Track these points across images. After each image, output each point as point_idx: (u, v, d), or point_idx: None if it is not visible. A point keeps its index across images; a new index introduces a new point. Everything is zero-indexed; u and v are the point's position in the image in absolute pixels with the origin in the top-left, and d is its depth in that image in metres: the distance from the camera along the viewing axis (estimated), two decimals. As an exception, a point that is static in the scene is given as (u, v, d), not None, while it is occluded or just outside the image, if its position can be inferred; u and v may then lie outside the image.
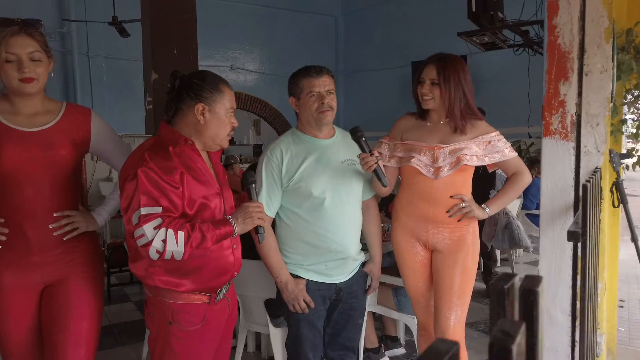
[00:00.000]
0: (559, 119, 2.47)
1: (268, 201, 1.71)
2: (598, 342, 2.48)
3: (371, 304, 2.63)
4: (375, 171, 1.68)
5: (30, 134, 1.46)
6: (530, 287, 0.50)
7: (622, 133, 2.66)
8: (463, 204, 1.77)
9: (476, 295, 4.03)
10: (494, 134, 1.86)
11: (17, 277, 1.47)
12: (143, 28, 4.23)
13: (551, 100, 2.50)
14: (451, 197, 1.79)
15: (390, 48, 9.01)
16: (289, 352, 1.90)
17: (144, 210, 1.31)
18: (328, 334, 1.94)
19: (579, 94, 2.44)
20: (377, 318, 2.88)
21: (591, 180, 1.77)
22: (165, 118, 1.52)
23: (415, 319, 2.06)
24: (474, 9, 3.00)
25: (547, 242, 2.21)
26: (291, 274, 1.76)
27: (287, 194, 1.74)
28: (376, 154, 1.69)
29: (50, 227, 1.50)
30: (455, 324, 1.78)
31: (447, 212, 1.79)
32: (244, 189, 1.59)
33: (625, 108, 2.85)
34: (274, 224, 1.81)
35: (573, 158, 2.45)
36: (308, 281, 1.77)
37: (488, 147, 1.82)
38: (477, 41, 3.74)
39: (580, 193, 2.07)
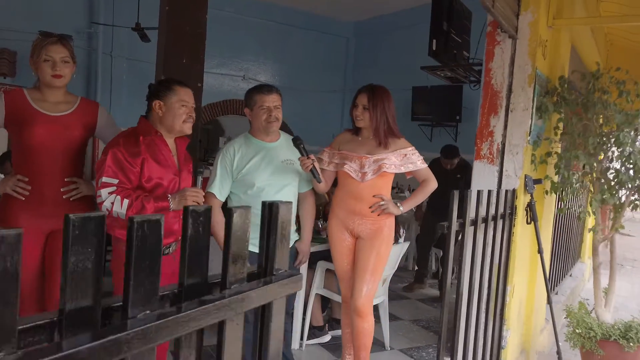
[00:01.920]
0: (488, 146, 2.96)
1: (220, 188, 2.23)
2: (504, 336, 2.92)
3: (318, 287, 3.11)
4: (311, 171, 2.19)
5: (54, 117, 1.99)
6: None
7: (546, 163, 3.11)
8: (382, 202, 2.26)
9: (429, 299, 4.50)
10: (410, 149, 2.35)
11: (31, 222, 1.97)
12: (159, 37, 4.78)
13: (483, 130, 2.99)
14: (374, 196, 2.28)
15: (394, 72, 9.52)
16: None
17: (104, 179, 1.82)
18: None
19: (505, 126, 2.91)
20: (326, 302, 3.35)
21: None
22: (144, 115, 2.04)
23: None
24: (434, 48, 3.52)
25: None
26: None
27: (236, 183, 2.25)
28: (312, 158, 2.20)
29: (62, 189, 2.01)
30: (366, 294, 2.26)
31: (370, 207, 2.28)
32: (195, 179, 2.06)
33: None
34: (225, 206, 2.32)
35: (497, 180, 2.92)
36: (249, 252, 2.25)
37: (404, 159, 2.32)
38: (442, 75, 4.24)
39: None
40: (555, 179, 3.10)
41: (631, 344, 2.82)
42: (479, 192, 2.44)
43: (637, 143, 2.68)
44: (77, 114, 2.05)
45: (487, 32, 2.95)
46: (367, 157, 2.28)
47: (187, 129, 2.02)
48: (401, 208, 2.30)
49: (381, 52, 9.93)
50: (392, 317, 3.79)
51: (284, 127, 10.60)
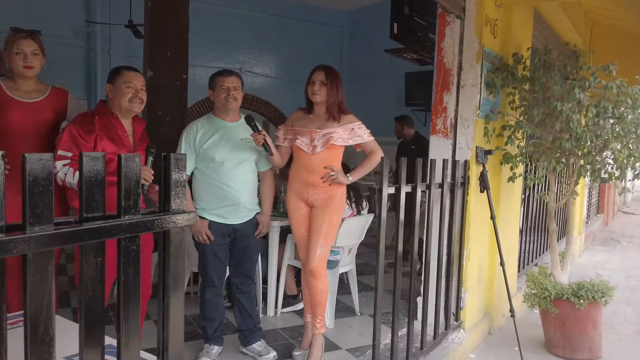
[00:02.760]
0: (442, 121, 3.15)
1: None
2: (462, 297, 3.13)
3: (289, 258, 3.34)
4: (263, 145, 2.41)
5: (27, 104, 2.23)
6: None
7: (502, 136, 3.29)
8: (332, 173, 2.48)
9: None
10: (357, 123, 2.56)
11: (11, 197, 2.21)
12: (144, 32, 5.03)
13: (437, 107, 3.18)
14: (324, 167, 2.50)
15: (387, 60, 9.67)
16: (200, 275, 2.64)
17: (60, 152, 2.07)
18: (232, 266, 2.67)
19: (457, 102, 3.10)
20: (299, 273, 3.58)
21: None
22: (103, 99, 2.29)
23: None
24: (395, 31, 3.70)
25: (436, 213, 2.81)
26: (199, 216, 2.50)
27: (198, 158, 2.48)
28: (263, 133, 2.42)
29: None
30: (319, 256, 2.48)
31: (321, 178, 2.50)
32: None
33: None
34: (190, 180, 2.56)
35: (451, 152, 3.12)
36: (210, 222, 2.50)
37: (351, 133, 2.52)
38: (409, 57, 4.41)
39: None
40: (511, 150, 3.27)
41: (581, 301, 3.01)
42: (431, 161, 2.65)
43: (577, 115, 2.84)
44: (49, 101, 2.29)
45: (438, 14, 3.13)
46: (316, 132, 2.49)
47: (134, 107, 2.25)
48: (350, 178, 2.52)
49: (374, 40, 10.05)
50: (368, 288, 4.01)
51: (282, 117, 10.79)
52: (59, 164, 2.06)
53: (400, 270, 2.39)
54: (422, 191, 2.52)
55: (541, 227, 5.04)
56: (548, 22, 4.72)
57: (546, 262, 4.92)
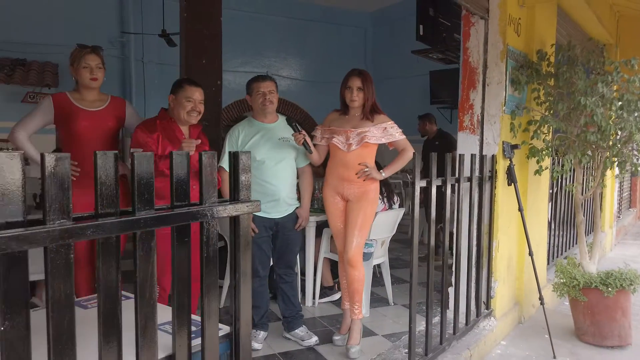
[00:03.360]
0: (469, 118, 3.30)
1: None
2: (492, 287, 3.26)
3: (325, 251, 3.53)
4: (303, 144, 2.62)
5: (91, 112, 2.48)
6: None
7: (529, 131, 3.41)
8: (366, 169, 2.66)
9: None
10: (389, 123, 2.73)
11: (80, 195, 2.43)
12: (180, 41, 5.31)
13: (464, 104, 3.33)
14: (359, 164, 2.68)
15: (412, 59, 9.78)
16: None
17: (131, 150, 2.31)
18: (275, 257, 2.87)
19: (483, 99, 3.25)
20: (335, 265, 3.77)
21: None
22: (164, 107, 2.54)
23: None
24: (421, 33, 3.84)
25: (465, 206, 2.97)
26: (245, 210, 2.71)
27: None
28: (303, 133, 2.62)
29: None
30: (356, 247, 2.67)
31: (356, 174, 2.68)
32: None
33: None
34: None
35: (478, 147, 3.26)
36: (254, 216, 2.71)
37: (384, 132, 2.70)
38: (435, 57, 4.54)
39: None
40: (537, 144, 3.38)
41: (610, 289, 3.11)
42: (460, 155, 2.81)
43: (601, 109, 2.94)
44: (109, 109, 2.54)
45: (463, 15, 3.27)
46: (352, 131, 2.68)
47: (191, 119, 2.50)
48: (383, 174, 2.69)
49: (398, 40, 10.18)
50: (400, 281, 4.17)
51: (308, 119, 10.99)
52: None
53: (433, 262, 2.55)
54: (451, 185, 2.67)
55: (570, 221, 5.10)
56: (572, 18, 4.79)
57: (575, 253, 4.98)
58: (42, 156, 0.92)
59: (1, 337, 0.86)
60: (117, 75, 8.64)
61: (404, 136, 2.74)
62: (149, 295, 1.11)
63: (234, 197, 1.35)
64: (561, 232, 4.85)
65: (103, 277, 1.03)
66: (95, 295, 1.12)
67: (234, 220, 1.35)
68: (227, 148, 2.72)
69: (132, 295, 1.12)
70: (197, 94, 2.52)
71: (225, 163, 2.70)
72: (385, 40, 10.86)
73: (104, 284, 1.03)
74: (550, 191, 4.23)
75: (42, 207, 0.93)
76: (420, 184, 2.37)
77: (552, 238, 4.53)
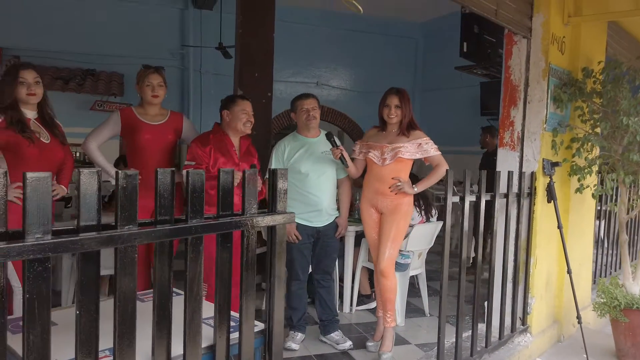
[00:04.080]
0: (510, 134, 3.36)
1: None
2: (529, 303, 3.28)
3: (364, 260, 3.66)
4: (340, 158, 2.78)
5: (153, 126, 2.76)
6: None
7: (571, 149, 3.40)
8: (399, 183, 2.78)
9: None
10: (425, 139, 2.84)
11: (142, 201, 2.73)
12: (235, 55, 5.63)
13: (505, 121, 3.39)
14: (392, 178, 2.81)
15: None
16: (287, 271, 3.05)
17: (186, 162, 2.57)
18: (314, 262, 3.05)
19: (524, 116, 3.30)
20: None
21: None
22: (218, 122, 2.77)
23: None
24: (465, 50, 3.90)
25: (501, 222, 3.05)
26: (288, 218, 2.92)
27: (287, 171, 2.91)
28: (341, 148, 2.78)
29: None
30: (388, 258, 2.79)
31: (390, 187, 2.81)
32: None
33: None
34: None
35: (518, 164, 3.31)
36: (298, 224, 2.90)
37: (419, 147, 2.81)
38: (479, 73, 4.57)
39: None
40: (579, 162, 3.37)
41: (652, 311, 3.05)
42: (497, 172, 2.89)
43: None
44: (169, 123, 2.82)
45: (505, 34, 3.34)
46: (387, 146, 2.82)
47: (247, 129, 2.72)
48: (415, 189, 2.81)
49: (448, 50, 10.12)
50: (437, 293, 4.22)
51: (356, 128, 11.11)
52: (184, 171, 2.57)
53: (465, 276, 2.64)
54: (486, 201, 2.75)
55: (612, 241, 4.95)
56: (631, 34, 4.69)
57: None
58: (117, 173, 1.12)
59: (77, 320, 1.07)
60: (177, 84, 9.16)
61: (438, 152, 2.85)
62: (195, 292, 1.30)
63: (272, 209, 1.53)
64: (610, 251, 4.72)
65: (158, 275, 1.23)
66: (151, 290, 1.33)
67: (271, 230, 1.53)
68: (274, 161, 2.93)
69: (182, 292, 1.33)
70: (249, 107, 2.76)
71: (272, 172, 2.91)
72: (436, 51, 10.83)
73: (159, 281, 1.23)
74: (604, 209, 4.16)
75: (114, 213, 1.14)
76: (453, 199, 2.47)
77: (602, 257, 4.44)
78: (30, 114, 2.42)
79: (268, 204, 1.55)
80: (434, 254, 3.88)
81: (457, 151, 9.15)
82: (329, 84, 10.51)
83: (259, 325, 1.63)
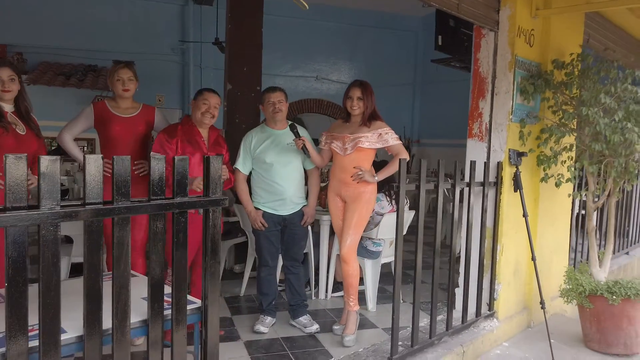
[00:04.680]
0: (478, 125, 3.44)
1: (243, 164, 3.01)
2: (495, 289, 3.37)
3: (338, 248, 3.77)
4: (302, 149, 2.89)
5: (125, 118, 2.90)
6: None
7: (540, 139, 3.47)
8: (359, 172, 2.88)
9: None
10: (385, 129, 2.93)
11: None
12: (225, 49, 5.75)
13: (474, 112, 3.47)
14: (354, 167, 2.91)
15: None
16: (257, 257, 3.18)
17: (152, 154, 2.66)
18: (283, 249, 3.17)
19: (491, 108, 3.37)
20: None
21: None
22: (188, 114, 2.90)
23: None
24: (440, 43, 3.97)
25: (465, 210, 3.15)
26: (255, 207, 3.04)
27: (254, 161, 3.02)
28: (303, 139, 2.89)
29: (133, 168, 2.91)
30: (349, 245, 2.90)
31: (351, 176, 2.92)
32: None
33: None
34: (249, 178, 3.10)
35: (486, 154, 3.39)
36: (264, 212, 3.02)
37: (379, 137, 2.91)
38: (457, 66, 4.62)
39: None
40: (547, 152, 3.43)
41: (614, 297, 3.12)
42: (471, 163, 2.99)
43: (605, 119, 2.97)
44: (141, 115, 2.95)
45: (475, 27, 3.40)
46: (348, 137, 2.92)
47: (205, 120, 2.80)
48: (376, 177, 2.91)
49: (448, 43, 10.16)
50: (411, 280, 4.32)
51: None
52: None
53: (438, 263, 2.76)
54: (447, 189, 2.84)
55: (619, 230, 4.99)
56: (615, 23, 4.69)
57: (612, 265, 4.87)
58: (113, 159, 1.41)
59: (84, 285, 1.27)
60: (178, 79, 9.34)
61: (398, 142, 2.94)
62: (122, 269, 1.43)
63: (206, 194, 1.66)
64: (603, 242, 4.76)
65: (87, 252, 1.37)
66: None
67: (205, 213, 1.65)
68: (242, 151, 3.05)
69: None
70: (213, 100, 2.83)
71: (240, 165, 3.03)
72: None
73: (88, 258, 1.37)
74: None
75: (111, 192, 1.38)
76: (407, 187, 2.57)
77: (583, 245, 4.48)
78: (7, 107, 2.57)
79: (204, 190, 1.67)
80: (411, 243, 3.97)
81: (456, 144, 9.19)
82: (328, 77, 10.59)
83: (196, 302, 1.75)
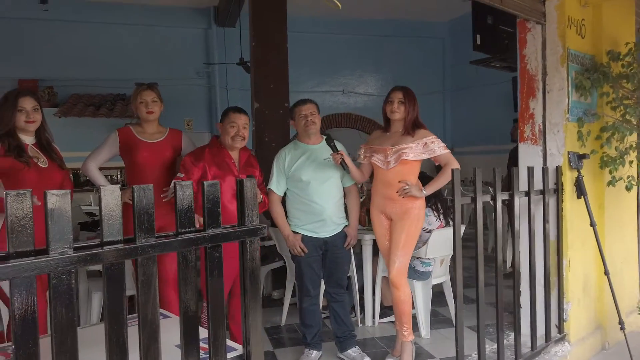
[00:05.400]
0: (530, 128, 3.15)
1: (277, 184, 2.79)
2: (565, 309, 3.02)
3: (383, 270, 3.49)
4: (341, 164, 2.65)
5: (151, 144, 2.73)
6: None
7: (601, 139, 3.13)
8: (405, 187, 2.62)
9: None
10: (431, 137, 2.67)
11: None
12: (250, 68, 5.62)
13: (524, 114, 3.18)
14: (399, 182, 2.65)
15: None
16: (297, 285, 2.92)
17: (179, 174, 2.52)
18: (325, 275, 2.91)
19: (544, 107, 3.08)
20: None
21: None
22: (216, 135, 2.71)
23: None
24: (478, 43, 3.68)
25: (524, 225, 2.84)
26: (293, 231, 2.79)
27: (289, 180, 2.79)
28: (341, 153, 2.65)
29: (161, 195, 2.72)
30: (398, 267, 2.62)
31: (397, 192, 2.65)
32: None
33: None
34: (284, 199, 2.86)
35: (541, 159, 3.09)
36: (303, 235, 2.78)
37: (425, 147, 2.64)
38: (498, 66, 4.31)
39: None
40: (611, 152, 3.10)
41: None
42: (514, 169, 2.69)
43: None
44: (168, 140, 2.78)
45: (518, 21, 3.13)
46: (390, 148, 2.66)
47: (235, 143, 2.62)
48: (424, 192, 2.63)
49: (477, 47, 9.85)
50: (467, 300, 3.98)
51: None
52: (172, 183, 2.52)
53: (502, 283, 2.44)
54: (503, 200, 2.55)
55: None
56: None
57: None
58: (133, 189, 1.19)
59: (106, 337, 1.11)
60: (205, 102, 9.31)
61: (446, 150, 2.67)
62: (151, 318, 1.21)
63: (241, 223, 1.43)
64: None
65: (109, 298, 1.15)
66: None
67: (241, 246, 1.42)
68: (275, 171, 2.83)
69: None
70: (241, 120, 2.65)
71: (274, 185, 2.81)
72: (465, 49, 10.48)
73: (110, 303, 1.16)
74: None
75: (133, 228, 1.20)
76: (463, 200, 2.29)
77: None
78: (28, 139, 2.44)
79: (237, 218, 1.45)
80: (466, 258, 3.66)
81: (493, 150, 8.80)
82: (355, 91, 10.40)
83: (237, 349, 1.51)
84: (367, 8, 9.06)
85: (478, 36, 3.71)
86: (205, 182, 1.34)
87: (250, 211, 1.42)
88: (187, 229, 1.31)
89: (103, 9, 8.34)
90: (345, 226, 2.89)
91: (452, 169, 2.25)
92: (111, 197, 1.15)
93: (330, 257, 2.85)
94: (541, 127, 3.06)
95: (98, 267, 3.07)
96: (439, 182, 2.65)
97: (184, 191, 1.31)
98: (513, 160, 4.83)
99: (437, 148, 2.64)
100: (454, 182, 2.23)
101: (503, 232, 4.99)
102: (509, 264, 4.95)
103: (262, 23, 5.25)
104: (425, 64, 10.64)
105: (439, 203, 3.36)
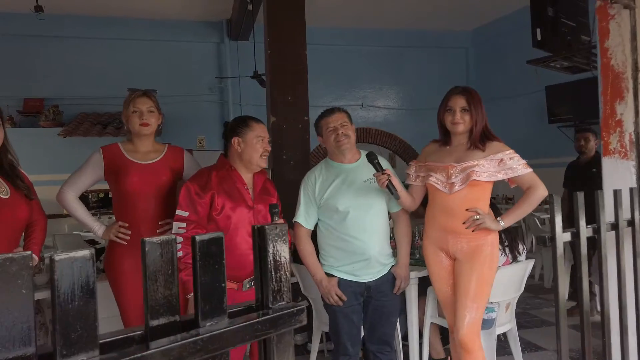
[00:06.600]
0: (617, 138, 2.52)
1: (305, 216, 2.20)
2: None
3: (432, 315, 2.85)
4: (387, 187, 2.04)
5: (145, 166, 2.17)
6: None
7: None
8: (477, 217, 2.00)
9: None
10: (507, 152, 2.06)
11: (134, 264, 2.13)
12: (266, 79, 5.10)
13: (608, 120, 2.56)
14: (466, 210, 2.03)
15: (523, 74, 8.79)
16: (333, 343, 2.30)
17: (177, 212, 1.97)
18: (367, 329, 2.28)
19: (636, 112, 2.45)
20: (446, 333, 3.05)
21: None
22: (223, 152, 2.12)
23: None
24: (539, 38, 3.08)
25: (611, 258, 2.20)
26: (326, 274, 2.19)
27: (321, 209, 2.19)
28: (388, 173, 2.04)
29: (158, 231, 2.16)
30: (469, 324, 1.98)
31: (463, 223, 2.03)
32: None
33: None
34: (314, 234, 2.26)
35: (634, 176, 2.45)
36: (340, 279, 2.16)
37: (500, 165, 2.03)
38: (558, 66, 3.70)
39: None
40: None
41: None
42: (615, 192, 2.06)
43: None
44: (165, 160, 2.21)
45: (597, 7, 2.53)
46: (454, 166, 2.06)
47: (263, 163, 2.06)
48: (502, 223, 2.01)
49: (504, 56, 9.29)
50: (534, 347, 3.33)
51: (408, 150, 10.44)
52: (175, 225, 1.97)
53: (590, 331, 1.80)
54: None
55: None
56: None
57: None
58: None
59: None
60: (218, 119, 8.85)
61: (529, 169, 2.06)
62: None
63: (264, 304, 0.83)
64: None
65: None
66: None
67: (264, 344, 0.82)
68: (303, 200, 2.24)
69: None
70: (266, 132, 2.13)
71: (301, 217, 2.21)
72: (490, 58, 10.02)
73: None
74: None
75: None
76: (563, 238, 1.67)
77: None
78: None
79: (256, 295, 0.85)
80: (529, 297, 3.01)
81: (532, 164, 8.15)
82: (374, 104, 9.89)
83: None
84: (386, 19, 8.64)
85: (538, 30, 3.11)
86: (196, 238, 0.75)
87: (279, 285, 0.82)
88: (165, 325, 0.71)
89: (111, 25, 8.06)
90: (393, 266, 2.26)
91: (551, 195, 1.63)
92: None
93: (374, 306, 2.22)
94: (632, 136, 2.44)
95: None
96: (522, 211, 2.03)
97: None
98: (572, 178, 4.15)
99: (518, 166, 2.02)
100: (553, 211, 1.61)
101: (565, 266, 4.29)
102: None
103: (279, 29, 4.74)
104: (448, 75, 10.06)
105: (503, 234, 2.71)
